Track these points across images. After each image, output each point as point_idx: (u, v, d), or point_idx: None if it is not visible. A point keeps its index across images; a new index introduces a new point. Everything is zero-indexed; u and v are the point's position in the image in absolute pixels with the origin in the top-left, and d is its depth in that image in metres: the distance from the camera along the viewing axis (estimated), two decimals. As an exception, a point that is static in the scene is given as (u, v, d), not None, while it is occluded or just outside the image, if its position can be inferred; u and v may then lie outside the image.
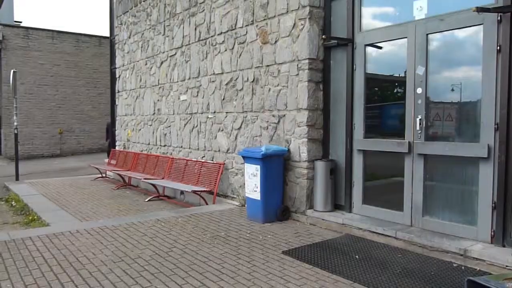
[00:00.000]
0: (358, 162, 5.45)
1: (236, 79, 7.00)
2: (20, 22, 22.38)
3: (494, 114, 4.06)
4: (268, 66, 6.30)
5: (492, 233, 4.08)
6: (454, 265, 3.98)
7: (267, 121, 6.34)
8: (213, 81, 7.63)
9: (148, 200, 8.20)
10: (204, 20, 7.81)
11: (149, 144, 10.20)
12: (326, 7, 5.74)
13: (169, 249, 4.57)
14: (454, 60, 4.59)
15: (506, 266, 3.68)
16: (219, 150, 7.52)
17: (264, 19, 6.35)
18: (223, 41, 7.30)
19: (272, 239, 4.91)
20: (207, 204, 7.22)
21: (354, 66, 5.44)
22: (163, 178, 8.68)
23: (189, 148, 8.44)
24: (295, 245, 4.66)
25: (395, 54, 5.23)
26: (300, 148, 5.76)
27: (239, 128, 6.96)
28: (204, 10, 7.81)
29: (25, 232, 5.42)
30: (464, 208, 4.40)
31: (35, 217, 6.79)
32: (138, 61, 10.72)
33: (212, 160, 7.66)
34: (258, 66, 6.50)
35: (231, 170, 7.17)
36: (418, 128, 4.69)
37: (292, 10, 5.82)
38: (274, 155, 5.73)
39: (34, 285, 3.60)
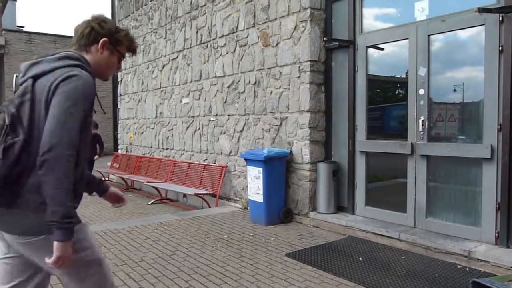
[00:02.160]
0: (360, 164, 5.44)
1: (238, 81, 7.01)
2: (23, 27, 22.47)
3: (497, 115, 4.04)
4: (269, 68, 6.31)
5: (497, 234, 4.06)
6: (459, 266, 3.96)
7: (269, 124, 6.34)
8: (215, 84, 7.63)
9: (151, 203, 8.20)
10: (206, 23, 7.83)
11: (151, 147, 10.22)
12: (327, 9, 5.75)
13: (172, 252, 4.56)
14: (456, 61, 4.58)
15: (511, 267, 3.66)
16: (221, 153, 7.52)
17: (266, 22, 6.36)
18: (225, 44, 7.31)
19: (275, 242, 4.90)
20: (209, 207, 7.22)
21: (356, 67, 5.43)
22: (165, 181, 8.68)
23: (192, 151, 8.45)
24: (298, 248, 4.65)
25: (396, 56, 5.23)
26: (302, 150, 5.75)
27: (241, 131, 6.96)
28: (205, 13, 7.83)
29: (28, 236, 5.42)
30: (468, 209, 4.38)
31: (38, 221, 6.80)
32: (140, 65, 10.75)
33: (215, 163, 7.66)
34: (260, 69, 6.50)
35: (234, 172, 7.17)
36: (420, 129, 4.68)
37: (293, 13, 5.83)
38: (277, 157, 5.72)
39: (37, 289, 3.60)
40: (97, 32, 1.85)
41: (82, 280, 1.77)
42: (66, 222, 1.56)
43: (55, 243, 1.56)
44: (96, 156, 9.54)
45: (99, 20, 1.86)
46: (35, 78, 1.68)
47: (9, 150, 1.55)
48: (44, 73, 1.68)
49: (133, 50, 1.98)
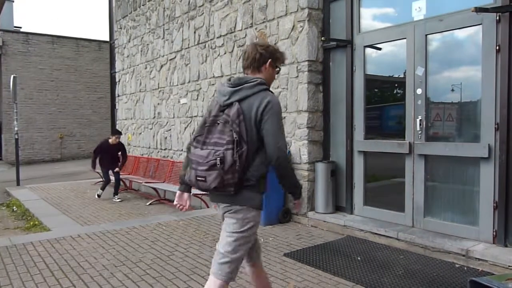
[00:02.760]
0: (358, 164, 5.44)
1: (236, 81, 6.99)
2: (20, 27, 22.44)
3: (494, 114, 4.05)
4: (267, 68, 6.30)
5: (494, 233, 4.07)
6: (457, 265, 3.97)
7: (267, 124, 6.33)
8: (213, 84, 7.63)
9: (149, 204, 8.19)
10: (203, 24, 7.83)
11: (149, 147, 10.21)
12: (325, 9, 5.75)
13: (170, 253, 4.56)
14: (453, 60, 4.59)
15: (509, 266, 3.67)
16: (219, 153, 7.50)
17: (263, 22, 6.36)
18: (223, 44, 7.30)
19: (273, 242, 4.90)
20: (208, 207, 7.22)
21: (354, 67, 5.44)
22: (164, 182, 8.67)
23: (190, 151, 8.43)
24: (297, 247, 4.65)
25: (394, 55, 5.24)
26: (300, 150, 5.76)
27: (240, 131, 6.95)
28: (203, 13, 7.83)
29: (26, 237, 5.42)
30: (466, 208, 4.39)
31: (36, 222, 6.78)
32: (137, 65, 10.74)
33: (213, 163, 7.64)
34: (258, 69, 6.49)
35: (232, 172, 7.15)
36: (418, 128, 4.68)
37: (291, 13, 5.83)
38: (275, 157, 5.71)
39: (35, 290, 3.60)
40: (264, 56, 2.53)
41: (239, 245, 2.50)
42: (301, 190, 2.67)
43: (298, 201, 2.68)
44: (117, 169, 8.60)
45: (263, 46, 2.57)
46: (239, 101, 2.40)
47: (241, 157, 2.33)
48: (246, 97, 2.41)
49: (284, 62, 2.72)
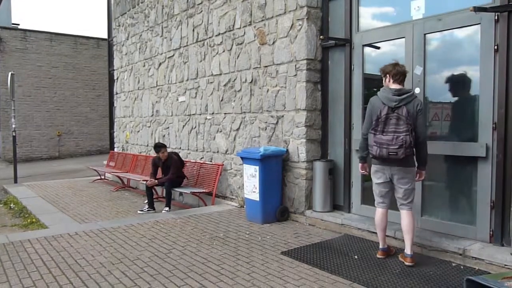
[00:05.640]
0: (356, 162, 5.42)
1: (234, 80, 7.00)
2: (18, 24, 22.35)
3: (492, 114, 4.06)
4: (266, 67, 6.31)
5: (491, 233, 4.08)
6: (453, 264, 3.98)
7: (266, 122, 6.34)
8: (211, 82, 7.62)
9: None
10: (202, 21, 7.82)
11: (147, 145, 10.20)
12: (323, 8, 5.75)
13: (168, 251, 4.56)
14: (452, 60, 4.59)
15: (505, 265, 3.68)
16: (217, 151, 7.52)
17: (262, 20, 6.35)
18: (221, 42, 7.30)
19: (271, 240, 4.91)
20: (206, 205, 7.22)
21: (352, 66, 5.44)
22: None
23: (188, 149, 8.44)
24: (294, 246, 4.66)
25: (393, 54, 5.22)
26: (298, 149, 5.76)
27: (238, 129, 6.96)
28: (202, 11, 7.81)
29: (23, 235, 5.41)
30: (463, 207, 4.40)
31: (34, 220, 6.77)
32: (136, 63, 10.72)
33: (211, 161, 7.66)
34: (256, 67, 6.50)
35: (230, 171, 7.17)
36: (416, 128, 4.68)
37: (290, 11, 5.83)
38: (273, 155, 5.73)
39: (32, 288, 3.59)
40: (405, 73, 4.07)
41: (413, 189, 4.05)
42: (426, 165, 4.03)
43: (423, 172, 4.06)
44: (149, 181, 7.42)
45: (404, 68, 4.07)
46: (405, 104, 3.81)
47: (413, 138, 3.77)
48: (408, 102, 3.84)
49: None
